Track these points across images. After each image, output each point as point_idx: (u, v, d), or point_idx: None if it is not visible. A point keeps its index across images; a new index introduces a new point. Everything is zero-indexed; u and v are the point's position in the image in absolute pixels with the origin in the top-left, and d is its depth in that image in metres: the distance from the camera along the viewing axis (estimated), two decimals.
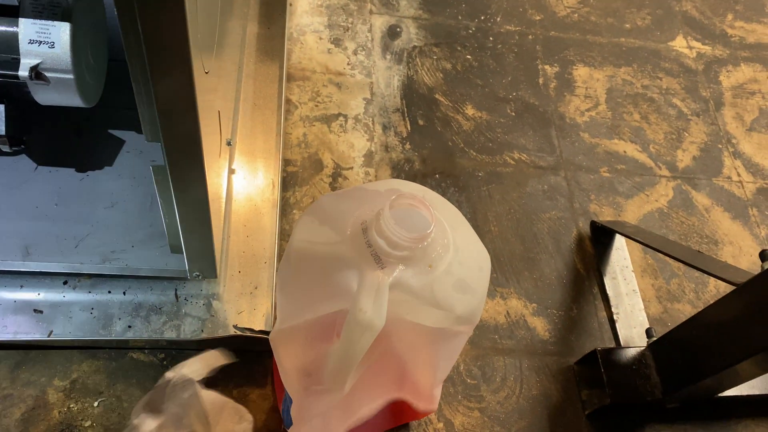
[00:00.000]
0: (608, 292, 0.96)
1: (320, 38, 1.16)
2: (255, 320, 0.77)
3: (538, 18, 1.29)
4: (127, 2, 0.42)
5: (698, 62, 1.30)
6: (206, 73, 0.57)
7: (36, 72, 0.63)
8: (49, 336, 0.73)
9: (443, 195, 0.86)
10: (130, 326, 0.75)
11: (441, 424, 0.82)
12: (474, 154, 1.08)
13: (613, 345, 0.92)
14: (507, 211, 1.03)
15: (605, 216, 1.05)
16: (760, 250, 0.73)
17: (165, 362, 0.78)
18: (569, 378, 0.88)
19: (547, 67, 1.22)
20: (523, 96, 1.17)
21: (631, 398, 0.80)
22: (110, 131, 0.83)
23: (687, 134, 1.19)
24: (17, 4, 0.62)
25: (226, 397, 0.63)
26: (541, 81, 1.20)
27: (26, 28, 0.62)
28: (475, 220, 1.00)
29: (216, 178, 0.69)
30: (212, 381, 0.66)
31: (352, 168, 1.01)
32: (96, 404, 0.74)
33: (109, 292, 0.76)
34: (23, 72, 0.62)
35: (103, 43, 0.74)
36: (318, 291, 0.56)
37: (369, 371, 0.57)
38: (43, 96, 0.66)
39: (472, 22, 1.25)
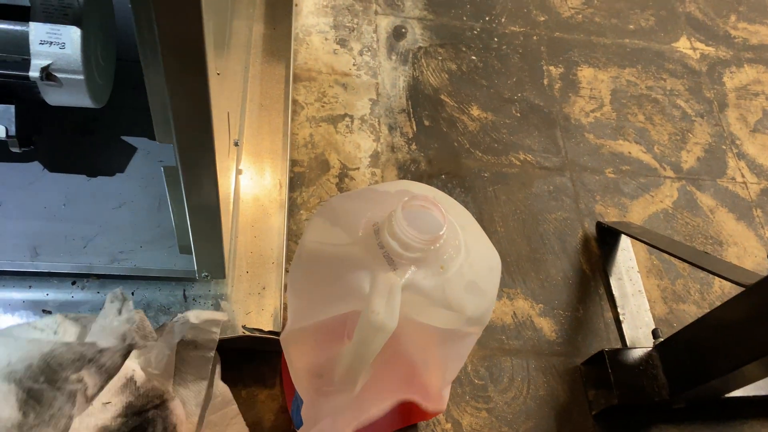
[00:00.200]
0: (614, 292, 0.96)
1: (326, 39, 1.16)
2: (263, 321, 0.77)
3: (542, 19, 1.29)
4: (143, 2, 0.42)
5: (702, 63, 1.30)
6: (218, 74, 0.57)
7: (47, 73, 0.63)
8: None
9: (449, 195, 0.86)
10: None
11: (449, 425, 0.82)
12: (480, 154, 1.08)
13: (619, 345, 0.92)
14: (513, 211, 1.03)
15: (610, 217, 1.06)
16: (764, 250, 0.73)
17: None
18: (576, 378, 0.88)
19: (551, 68, 1.23)
20: (528, 97, 1.17)
21: (638, 399, 0.80)
22: (123, 137, 0.83)
23: (691, 135, 1.19)
24: (29, 5, 0.62)
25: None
26: (545, 82, 1.20)
27: (37, 29, 0.62)
28: (482, 221, 1.00)
29: (224, 179, 0.69)
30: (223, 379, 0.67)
31: (358, 168, 1.01)
32: None
33: None
34: (34, 73, 0.62)
35: (112, 44, 0.74)
36: (329, 292, 0.56)
37: (379, 372, 0.57)
38: (53, 97, 0.66)
39: (476, 22, 1.25)
